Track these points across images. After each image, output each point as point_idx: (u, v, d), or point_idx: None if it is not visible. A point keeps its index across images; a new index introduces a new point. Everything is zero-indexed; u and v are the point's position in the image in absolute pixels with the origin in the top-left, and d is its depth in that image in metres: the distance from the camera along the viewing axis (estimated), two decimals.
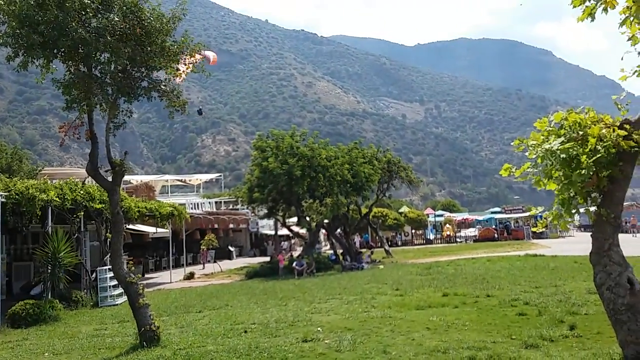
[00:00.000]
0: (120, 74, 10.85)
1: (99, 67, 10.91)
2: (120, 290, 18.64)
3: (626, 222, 46.60)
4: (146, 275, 32.78)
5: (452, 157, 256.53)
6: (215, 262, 35.99)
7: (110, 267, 17.11)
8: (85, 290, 20.14)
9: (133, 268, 24.96)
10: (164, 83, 11.54)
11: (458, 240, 54.01)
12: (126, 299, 12.65)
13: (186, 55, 11.63)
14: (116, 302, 19.64)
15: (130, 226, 27.61)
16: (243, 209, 48.31)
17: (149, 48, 10.71)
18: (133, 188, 38.18)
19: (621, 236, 7.03)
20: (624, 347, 6.62)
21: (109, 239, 19.80)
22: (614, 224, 6.79)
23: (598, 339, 8.76)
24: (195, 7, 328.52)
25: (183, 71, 12.06)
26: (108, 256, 19.51)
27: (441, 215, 61.77)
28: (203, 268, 33.45)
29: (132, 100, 11.52)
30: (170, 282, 28.37)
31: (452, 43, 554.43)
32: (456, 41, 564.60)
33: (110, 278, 19.08)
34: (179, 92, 11.84)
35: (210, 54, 38.84)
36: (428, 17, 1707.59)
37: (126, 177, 49.96)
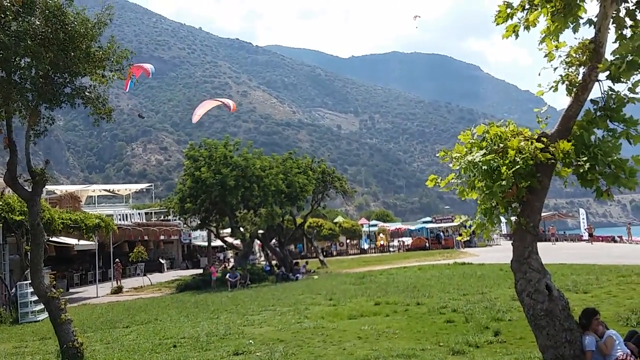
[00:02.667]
0: (41, 80, 10.38)
1: (18, 72, 10.42)
2: (41, 305, 17.73)
3: (544, 231, 48.94)
4: (70, 290, 31.32)
5: (385, 168, 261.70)
6: (145, 275, 34.86)
7: (30, 281, 16.24)
8: (4, 306, 19.07)
9: (55, 282, 23.78)
10: (88, 90, 11.13)
11: (391, 249, 54.97)
12: (48, 315, 12.05)
13: (113, 62, 11.26)
14: (37, 318, 18.80)
15: (54, 238, 26.34)
16: (175, 220, 47.17)
17: (72, 53, 10.30)
18: (57, 198, 36.42)
19: (541, 244, 7.37)
20: (544, 352, 6.91)
21: (29, 252, 18.80)
22: (533, 233, 7.10)
23: (521, 344, 9.11)
24: (125, 13, 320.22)
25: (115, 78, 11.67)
26: (28, 270, 18.51)
27: (375, 225, 62.75)
28: (117, 284, 31.31)
29: (55, 107, 11.04)
30: (97, 297, 27.25)
31: (385, 56, 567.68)
32: (389, 54, 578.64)
33: (31, 293, 18.23)
34: (105, 99, 11.45)
35: (148, 66, 38.13)
36: (362, 30, 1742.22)
37: (50, 187, 47.88)
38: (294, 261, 35.68)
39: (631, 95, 6.67)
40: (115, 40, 11.07)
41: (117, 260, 32.66)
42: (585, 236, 49.91)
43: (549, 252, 17.49)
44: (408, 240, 57.72)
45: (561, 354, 6.66)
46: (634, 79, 6.64)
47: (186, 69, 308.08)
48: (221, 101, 45.81)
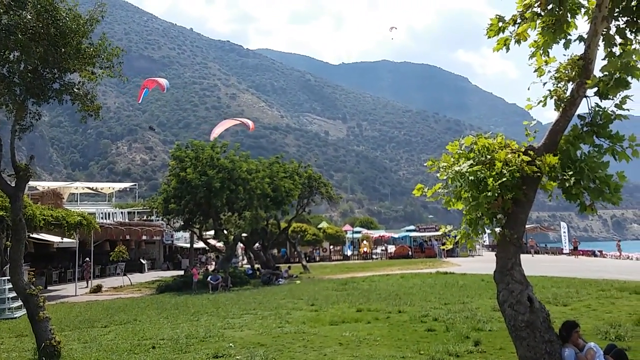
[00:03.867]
0: (30, 74, 10.29)
1: (7, 66, 10.33)
2: (19, 302, 17.51)
3: (525, 243, 49.35)
4: (49, 288, 30.90)
5: (371, 175, 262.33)
6: (125, 275, 34.51)
7: (9, 277, 16.01)
8: None
9: (34, 279, 23.46)
10: (77, 86, 11.04)
11: (374, 257, 55.04)
12: (25, 312, 11.88)
13: (103, 59, 11.17)
14: (15, 315, 18.53)
15: (34, 235, 25.98)
16: (158, 220, 46.80)
17: (62, 49, 10.23)
18: (39, 195, 35.99)
19: (521, 256, 7.44)
20: None
21: (8, 248, 18.54)
22: (516, 244, 7.17)
23: (500, 355, 9.16)
24: (116, 10, 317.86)
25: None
26: (7, 266, 18.25)
27: (359, 232, 62.82)
28: (87, 285, 30.46)
29: (42, 102, 10.94)
30: (76, 295, 26.89)
31: (375, 64, 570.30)
32: (379, 63, 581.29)
33: (9, 289, 18.05)
34: (93, 96, 11.37)
35: (163, 81, 38.15)
36: (352, 37, 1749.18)
37: (32, 183, 47.28)
38: (275, 265, 35.61)
39: (618, 111, 6.77)
40: (106, 38, 11.00)
41: (86, 259, 32.13)
42: (566, 249, 50.42)
43: (529, 265, 17.57)
44: (391, 248, 57.89)
45: None
46: (620, 95, 6.74)
47: (175, 69, 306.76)
48: (240, 120, 47.16)
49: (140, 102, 34.28)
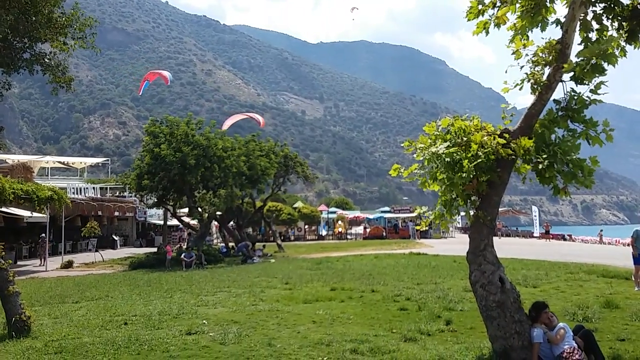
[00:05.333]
0: None
1: None
2: None
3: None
4: (19, 263, 30.38)
5: (347, 156, 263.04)
6: (97, 251, 34.12)
7: None
8: None
9: (4, 254, 22.99)
10: (48, 56, 10.75)
11: (349, 237, 55.44)
12: None
13: (75, 29, 10.86)
14: None
15: (3, 209, 25.41)
16: (130, 196, 46.23)
17: (33, 17, 9.92)
18: (8, 168, 35.07)
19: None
20: (494, 342, 7.11)
21: None
22: (489, 226, 7.27)
23: (471, 334, 9.33)
24: None
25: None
26: None
27: (334, 212, 63.10)
28: (42, 263, 28.75)
29: (12, 72, 10.63)
30: (46, 271, 26.52)
31: (354, 44, 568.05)
32: (357, 43, 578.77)
33: None
34: (65, 67, 11.09)
35: (166, 73, 37.50)
36: (331, 16, 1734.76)
37: (1, 156, 46.23)
38: (251, 243, 35.57)
39: (593, 96, 6.86)
40: (79, 8, 10.68)
41: (42, 235, 30.97)
42: (536, 233, 51.49)
43: (500, 247, 17.93)
44: (359, 230, 58.42)
45: (510, 345, 6.87)
46: (595, 81, 6.82)
47: (150, 43, 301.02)
48: (250, 116, 47.77)
49: (140, 94, 33.99)
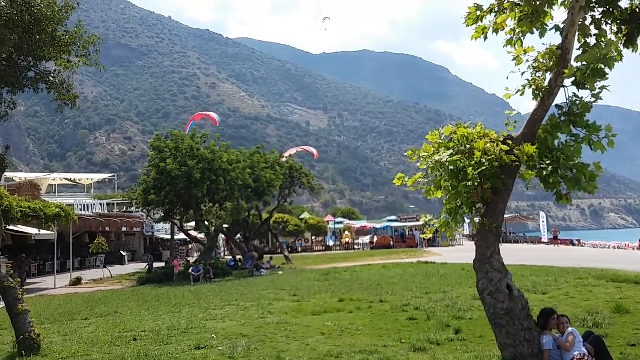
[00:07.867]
0: (4, 63, 10.08)
1: None
2: None
3: (505, 233, 50.01)
4: (28, 280, 30.44)
5: (353, 166, 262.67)
6: (105, 267, 34.17)
7: None
8: None
9: (12, 272, 23.04)
10: (53, 74, 10.84)
11: (356, 247, 55.23)
12: (4, 304, 11.70)
13: (79, 47, 10.96)
14: None
15: (12, 227, 25.50)
16: (138, 211, 46.35)
17: (37, 36, 10.03)
18: (16, 186, 35.30)
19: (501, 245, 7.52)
20: (503, 350, 7.05)
21: None
22: (496, 233, 7.24)
23: (480, 342, 9.27)
24: None
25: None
26: None
27: (341, 223, 62.92)
28: (21, 286, 28.60)
29: (17, 91, 10.73)
30: (55, 288, 26.61)
31: (356, 54, 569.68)
32: (360, 52, 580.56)
33: None
34: (69, 85, 11.18)
35: (214, 115, 38.92)
36: (333, 27, 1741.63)
37: (9, 174, 46.42)
38: (259, 255, 35.52)
39: (593, 100, 6.85)
40: (82, 25, 10.79)
41: (22, 255, 30.62)
42: (545, 239, 51.15)
43: (508, 254, 17.78)
44: (367, 240, 58.20)
45: (520, 353, 6.81)
46: (598, 85, 6.82)
47: (154, 58, 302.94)
48: (304, 149, 51.45)
49: (187, 132, 34.95)
